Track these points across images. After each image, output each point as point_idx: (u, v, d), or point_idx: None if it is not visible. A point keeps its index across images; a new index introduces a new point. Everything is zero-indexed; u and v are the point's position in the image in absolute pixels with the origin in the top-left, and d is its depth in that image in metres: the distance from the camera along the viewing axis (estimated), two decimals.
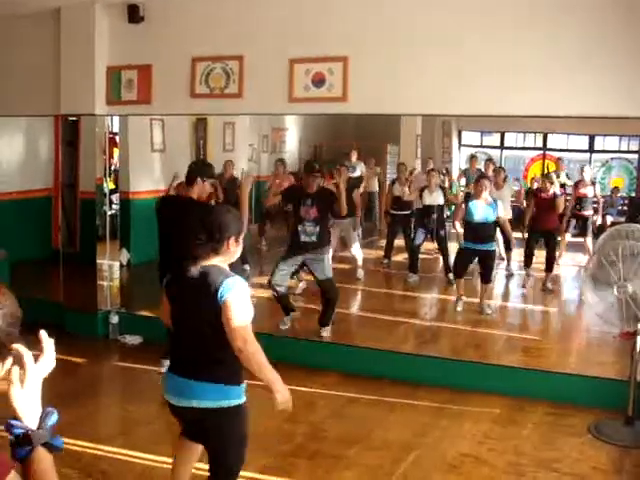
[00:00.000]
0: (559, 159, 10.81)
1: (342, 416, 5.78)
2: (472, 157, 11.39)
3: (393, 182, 10.44)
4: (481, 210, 8.02)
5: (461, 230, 8.17)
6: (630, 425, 5.38)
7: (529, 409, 5.83)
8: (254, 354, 3.29)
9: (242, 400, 3.44)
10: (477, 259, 8.24)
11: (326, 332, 7.24)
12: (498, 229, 8.58)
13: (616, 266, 5.25)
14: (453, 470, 4.81)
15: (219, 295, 3.25)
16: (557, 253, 9.57)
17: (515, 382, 6.18)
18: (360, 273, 9.81)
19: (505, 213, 8.73)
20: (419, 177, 10.17)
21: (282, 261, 7.31)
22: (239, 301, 3.27)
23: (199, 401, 3.37)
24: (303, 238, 7.20)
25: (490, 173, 9.90)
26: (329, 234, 7.52)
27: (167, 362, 5.26)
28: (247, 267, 9.09)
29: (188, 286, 3.39)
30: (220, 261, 3.40)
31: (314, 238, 7.18)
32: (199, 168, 6.16)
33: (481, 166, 10.98)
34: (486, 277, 8.30)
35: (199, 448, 3.71)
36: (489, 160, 10.87)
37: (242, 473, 3.50)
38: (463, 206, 8.17)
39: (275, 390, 3.34)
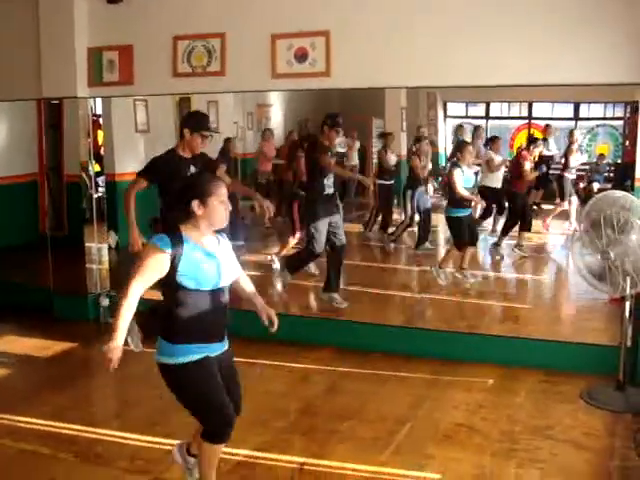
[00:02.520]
0: (548, 125, 10.77)
1: (335, 391, 5.79)
2: (459, 127, 11.36)
3: (380, 152, 10.41)
4: (469, 175, 8.17)
5: (466, 194, 8.11)
6: (621, 390, 5.42)
7: (521, 378, 5.86)
8: (121, 304, 3.53)
9: (182, 360, 3.50)
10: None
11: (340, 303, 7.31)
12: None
13: (600, 233, 5.26)
14: (447, 440, 4.84)
15: None
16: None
17: (507, 351, 6.21)
18: None
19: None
20: (424, 147, 10.10)
21: (318, 224, 7.28)
22: (149, 248, 3.42)
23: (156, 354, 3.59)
24: (327, 190, 7.28)
25: (479, 140, 9.96)
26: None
27: None
28: (241, 243, 9.22)
29: None
30: (192, 226, 3.48)
31: (333, 190, 7.33)
32: (186, 119, 5.93)
33: (468, 137, 10.95)
34: (476, 239, 8.41)
35: None
36: (478, 127, 10.84)
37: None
38: (458, 172, 8.12)
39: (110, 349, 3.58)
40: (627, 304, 5.38)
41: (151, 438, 4.83)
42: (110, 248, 8.17)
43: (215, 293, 3.55)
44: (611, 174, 10.51)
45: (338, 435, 4.92)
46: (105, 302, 7.69)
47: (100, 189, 8.29)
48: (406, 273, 9.64)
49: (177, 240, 3.42)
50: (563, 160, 9.95)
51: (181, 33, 6.89)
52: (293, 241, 8.73)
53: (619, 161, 10.59)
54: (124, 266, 8.52)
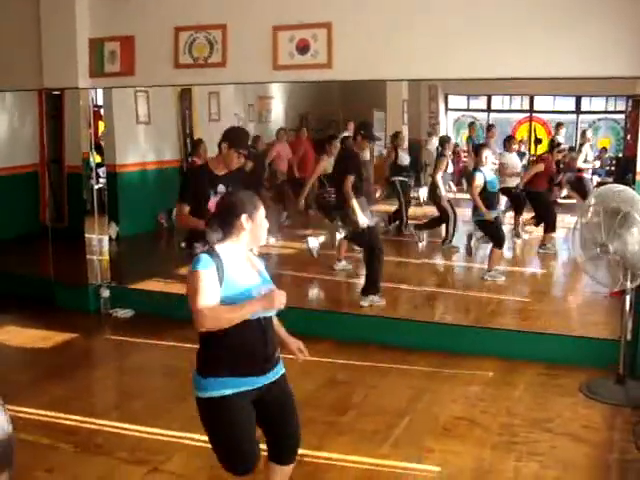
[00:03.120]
0: (559, 124, 10.75)
1: (335, 383, 5.80)
2: (471, 124, 11.40)
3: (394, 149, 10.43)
4: (492, 177, 8.24)
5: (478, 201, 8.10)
6: (621, 383, 5.42)
7: (521, 370, 5.87)
8: (207, 322, 3.15)
9: (211, 394, 3.27)
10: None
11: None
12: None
13: (600, 226, 5.26)
14: (447, 433, 4.85)
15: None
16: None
17: (507, 344, 6.21)
18: None
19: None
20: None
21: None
22: (195, 274, 3.17)
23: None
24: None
25: (493, 139, 9.99)
26: None
27: None
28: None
29: None
30: (233, 244, 3.30)
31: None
32: (226, 133, 5.43)
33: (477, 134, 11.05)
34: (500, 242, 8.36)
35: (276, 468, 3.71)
36: (491, 126, 10.83)
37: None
38: (479, 175, 8.11)
39: (264, 305, 3.22)
40: (627, 297, 5.39)
41: (151, 429, 4.84)
42: (111, 239, 8.18)
43: (259, 319, 3.29)
44: (612, 168, 10.51)
45: (338, 427, 4.93)
46: (106, 293, 7.70)
47: (101, 180, 8.29)
48: (411, 266, 9.62)
49: (217, 257, 3.22)
50: (581, 162, 9.95)
51: (182, 24, 6.88)
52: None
53: (620, 155, 10.59)
54: (125, 257, 8.57)
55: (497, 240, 8.23)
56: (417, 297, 8.00)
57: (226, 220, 3.30)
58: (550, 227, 9.29)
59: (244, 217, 3.28)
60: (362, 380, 5.84)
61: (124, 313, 7.53)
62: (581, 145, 10.06)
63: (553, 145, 9.97)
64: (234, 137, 5.31)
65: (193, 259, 3.23)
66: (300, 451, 4.51)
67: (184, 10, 6.90)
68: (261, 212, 3.35)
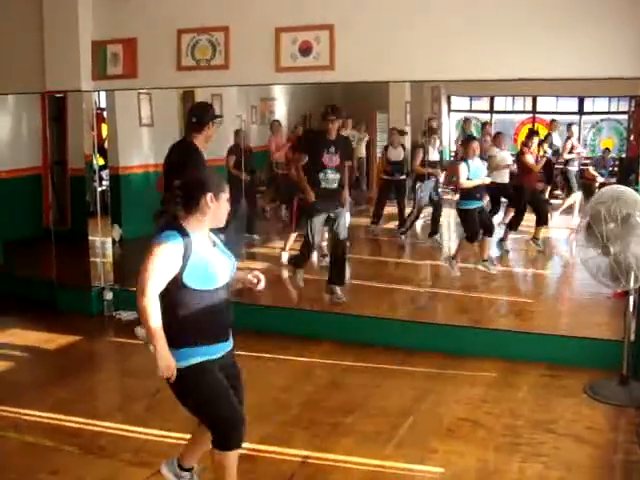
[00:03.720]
0: (553, 121, 10.76)
1: (338, 384, 5.80)
2: (466, 120, 11.35)
3: (386, 147, 10.42)
4: (477, 168, 8.16)
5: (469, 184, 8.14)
6: (625, 384, 5.42)
7: (524, 372, 5.87)
8: (144, 309, 3.23)
9: (187, 363, 3.34)
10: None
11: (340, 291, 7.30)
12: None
13: (602, 227, 5.26)
14: (450, 434, 4.84)
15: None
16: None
17: (510, 345, 6.21)
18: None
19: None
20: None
21: (313, 219, 7.30)
22: (155, 250, 3.23)
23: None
24: (324, 185, 7.22)
25: (487, 136, 9.94)
26: (346, 190, 7.49)
27: None
28: (256, 236, 9.34)
29: None
30: (196, 221, 3.34)
31: (335, 185, 7.23)
32: (206, 111, 5.90)
33: (472, 130, 10.95)
34: (491, 229, 8.37)
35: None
36: (485, 124, 10.81)
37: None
38: (463, 166, 8.16)
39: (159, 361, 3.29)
40: (630, 298, 5.39)
41: (155, 431, 4.84)
42: (114, 242, 8.18)
43: (219, 291, 3.41)
44: (615, 168, 10.49)
45: (341, 429, 4.93)
46: (109, 296, 7.71)
47: (104, 182, 8.28)
48: (410, 266, 9.61)
49: (185, 235, 3.29)
50: (566, 154, 9.97)
51: (185, 26, 6.89)
52: (293, 235, 8.72)
53: (624, 155, 10.58)
54: (128, 260, 8.56)
55: (469, 232, 8.25)
56: (419, 298, 7.99)
57: (191, 195, 3.32)
58: (542, 221, 9.26)
59: (209, 196, 3.31)
60: (365, 381, 5.84)
61: (127, 315, 7.54)
62: (568, 138, 10.05)
63: (529, 134, 9.97)
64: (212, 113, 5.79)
65: (159, 231, 3.26)
66: (303, 453, 4.54)
67: (186, 12, 6.91)
68: (225, 194, 3.40)
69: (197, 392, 3.41)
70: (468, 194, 8.15)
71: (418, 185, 9.48)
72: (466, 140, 8.57)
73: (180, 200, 3.34)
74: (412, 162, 9.79)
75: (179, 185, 3.38)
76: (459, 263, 8.29)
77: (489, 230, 8.33)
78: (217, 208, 3.37)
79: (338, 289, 7.32)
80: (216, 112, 6.08)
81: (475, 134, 10.69)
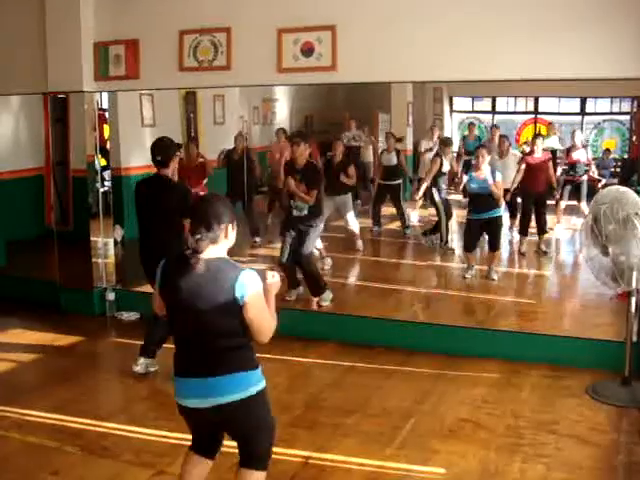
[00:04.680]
0: (550, 123, 10.78)
1: (340, 385, 5.80)
2: (470, 125, 11.34)
3: (382, 152, 10.43)
4: (476, 180, 8.01)
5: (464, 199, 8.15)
6: (627, 385, 5.42)
7: (526, 372, 5.86)
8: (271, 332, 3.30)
9: (264, 382, 3.35)
10: (481, 228, 8.22)
11: (325, 301, 7.29)
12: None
13: (602, 228, 5.26)
14: (452, 435, 4.84)
15: (237, 293, 3.12)
16: (550, 217, 9.56)
17: (513, 346, 6.20)
18: (359, 245, 9.65)
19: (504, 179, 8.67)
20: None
21: (283, 240, 7.40)
22: (259, 298, 3.18)
23: (223, 397, 3.21)
24: (295, 213, 7.25)
25: (496, 140, 9.87)
26: (319, 208, 7.46)
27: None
28: (258, 239, 9.53)
29: (193, 283, 3.17)
30: (221, 251, 3.24)
31: (305, 212, 7.22)
32: (169, 147, 5.87)
33: (479, 133, 11.01)
34: (493, 245, 8.26)
35: (209, 464, 3.58)
36: (495, 127, 10.78)
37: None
38: (464, 176, 8.14)
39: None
40: (632, 299, 5.38)
41: (157, 432, 4.85)
42: (116, 242, 8.19)
43: None
44: (617, 169, 10.50)
45: (343, 429, 4.93)
46: (111, 296, 7.71)
47: (106, 183, 8.30)
48: (413, 268, 9.62)
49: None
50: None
51: (187, 27, 6.89)
52: None
53: (626, 156, 10.58)
54: (130, 260, 8.57)
55: (463, 242, 8.34)
56: (421, 299, 8.00)
57: (212, 229, 3.19)
58: (539, 229, 9.24)
59: (230, 227, 3.25)
60: (367, 382, 5.84)
61: (129, 316, 7.54)
62: (584, 147, 10.02)
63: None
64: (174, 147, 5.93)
65: (246, 274, 3.16)
66: (305, 453, 4.54)
67: (188, 13, 6.91)
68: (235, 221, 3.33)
69: (267, 413, 3.42)
70: (470, 204, 8.15)
71: (434, 190, 9.40)
72: (475, 150, 8.45)
73: (205, 234, 3.19)
74: (425, 169, 9.73)
75: (199, 219, 3.24)
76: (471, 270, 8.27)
77: (491, 245, 8.27)
78: (234, 234, 3.31)
79: (320, 300, 7.33)
80: (174, 142, 6.04)
81: (483, 138, 10.71)
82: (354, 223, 9.55)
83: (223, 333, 3.21)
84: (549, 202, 9.52)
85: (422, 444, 4.69)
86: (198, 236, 3.15)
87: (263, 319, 3.21)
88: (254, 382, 3.30)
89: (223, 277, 3.15)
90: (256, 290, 3.16)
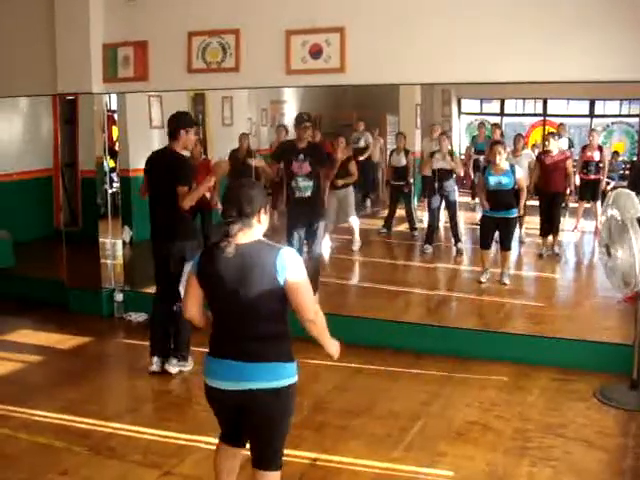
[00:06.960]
0: (561, 124, 10.75)
1: (347, 387, 5.80)
2: (480, 125, 11.31)
3: (391, 153, 10.41)
4: (494, 177, 7.96)
5: (483, 199, 8.07)
6: (635, 389, 5.40)
7: (535, 375, 5.85)
8: (322, 321, 3.31)
9: (296, 377, 3.32)
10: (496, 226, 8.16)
11: None
12: None
13: (608, 231, 5.26)
14: (460, 438, 4.84)
15: (279, 274, 3.12)
16: (565, 219, 9.53)
17: (521, 349, 6.19)
18: (356, 245, 9.65)
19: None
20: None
21: (289, 228, 7.31)
22: (303, 276, 3.19)
23: (256, 382, 3.19)
24: (297, 194, 7.20)
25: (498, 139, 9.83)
26: (323, 199, 7.42)
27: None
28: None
29: (231, 267, 3.16)
30: (256, 234, 3.23)
31: (308, 193, 7.17)
32: (179, 119, 5.97)
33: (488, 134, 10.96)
34: (504, 244, 8.19)
35: (241, 452, 3.54)
36: (495, 125, 10.75)
37: (247, 446, 3.47)
38: (476, 174, 8.10)
39: (332, 352, 3.51)
40: None
41: (164, 432, 4.86)
42: (124, 243, 8.20)
43: None
44: (626, 171, 10.45)
45: (350, 431, 4.93)
46: (119, 297, 7.73)
47: (115, 184, 8.31)
48: (422, 270, 9.61)
49: None
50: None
51: (196, 29, 6.91)
52: None
53: (634, 158, 10.54)
54: (138, 261, 8.59)
55: (480, 239, 8.27)
56: (430, 301, 7.99)
57: (245, 213, 3.19)
58: (552, 231, 9.19)
59: (262, 211, 3.25)
60: (374, 384, 5.84)
61: (137, 317, 7.55)
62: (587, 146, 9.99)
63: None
64: (186, 121, 5.96)
65: (286, 251, 3.19)
66: (312, 455, 4.54)
67: (197, 15, 6.92)
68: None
69: (292, 409, 3.38)
70: (488, 202, 8.08)
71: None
72: (489, 145, 8.40)
73: (237, 218, 3.20)
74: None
75: (232, 203, 3.23)
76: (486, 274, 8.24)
77: (503, 245, 8.20)
78: (267, 218, 3.31)
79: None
80: (192, 120, 6.16)
81: (489, 137, 10.67)
82: (354, 219, 9.52)
83: (266, 316, 3.21)
84: (571, 205, 9.52)
85: (430, 446, 4.68)
86: (230, 219, 3.17)
87: (306, 291, 3.21)
88: (288, 374, 3.28)
89: (263, 258, 3.17)
90: (298, 269, 3.18)
